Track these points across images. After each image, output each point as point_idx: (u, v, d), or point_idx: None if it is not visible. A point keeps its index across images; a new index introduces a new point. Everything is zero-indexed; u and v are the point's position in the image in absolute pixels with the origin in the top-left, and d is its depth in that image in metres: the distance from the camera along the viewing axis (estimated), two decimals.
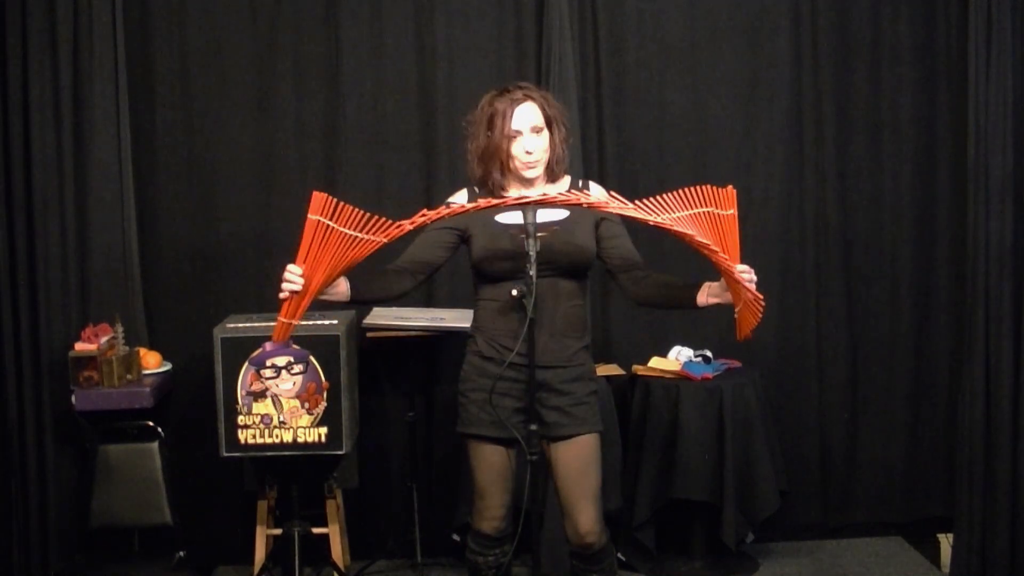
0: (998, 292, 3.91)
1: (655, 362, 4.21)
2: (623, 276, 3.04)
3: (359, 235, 2.55)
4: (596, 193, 3.06)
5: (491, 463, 3.03)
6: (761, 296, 2.66)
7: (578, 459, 3.01)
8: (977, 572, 3.97)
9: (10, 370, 3.92)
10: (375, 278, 2.95)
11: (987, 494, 3.94)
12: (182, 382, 4.17)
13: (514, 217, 2.91)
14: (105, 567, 3.76)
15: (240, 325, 3.54)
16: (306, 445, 3.51)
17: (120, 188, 4.02)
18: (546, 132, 2.99)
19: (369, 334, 3.99)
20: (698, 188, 2.64)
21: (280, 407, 3.49)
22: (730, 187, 2.66)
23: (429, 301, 4.24)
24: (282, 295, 2.65)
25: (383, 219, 2.54)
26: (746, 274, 2.64)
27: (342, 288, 2.84)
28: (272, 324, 3.46)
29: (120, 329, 3.85)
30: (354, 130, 4.25)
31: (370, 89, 4.24)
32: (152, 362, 3.97)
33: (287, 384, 3.48)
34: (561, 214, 2.96)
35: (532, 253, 2.77)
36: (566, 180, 3.10)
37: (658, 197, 2.59)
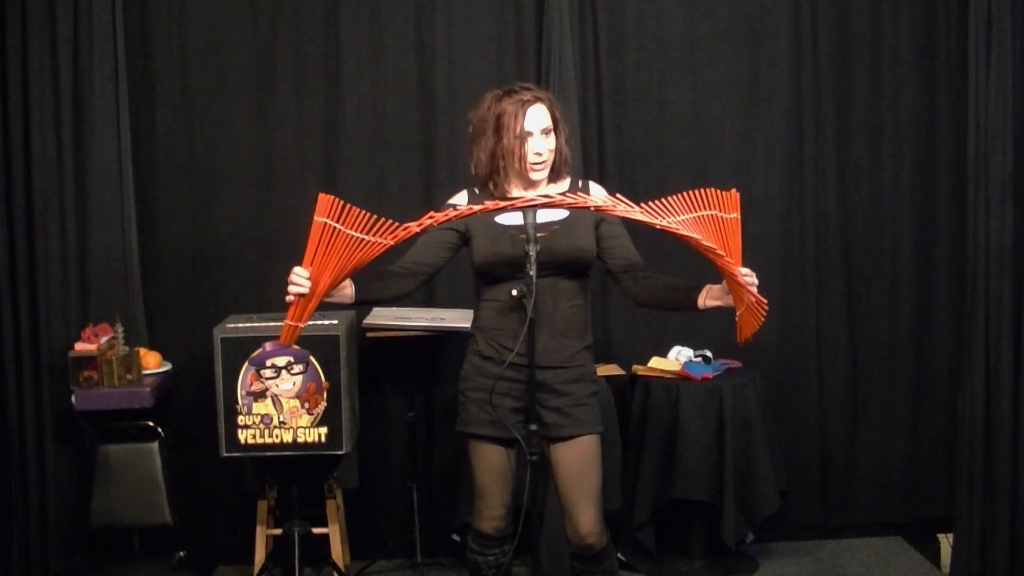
0: (998, 292, 3.91)
1: (655, 362, 4.21)
2: (623, 277, 3.04)
3: (366, 237, 2.54)
4: (596, 193, 3.06)
5: (491, 463, 3.03)
6: (764, 300, 2.66)
7: (578, 460, 3.01)
8: (977, 572, 3.97)
9: (10, 370, 3.92)
10: (378, 279, 2.94)
11: (987, 494, 3.94)
12: (182, 382, 4.17)
13: (514, 218, 2.90)
14: (105, 567, 3.76)
15: (240, 325, 3.54)
16: (306, 445, 3.51)
17: (120, 188, 4.02)
18: (553, 134, 2.99)
19: (369, 334, 4.00)
20: (701, 191, 2.63)
21: (280, 407, 3.49)
22: (733, 190, 2.66)
23: (429, 301, 4.24)
24: (288, 298, 2.63)
25: (390, 221, 2.54)
26: (748, 277, 2.64)
27: (347, 291, 2.83)
28: (273, 324, 3.50)
29: (120, 329, 3.85)
30: (354, 130, 4.25)
31: (370, 89, 4.24)
32: (152, 362, 3.97)
33: (287, 384, 3.48)
34: (561, 214, 2.96)
35: (532, 253, 2.77)
36: (566, 180, 3.10)
37: (661, 200, 2.59)
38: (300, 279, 2.60)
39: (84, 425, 3.85)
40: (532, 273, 2.76)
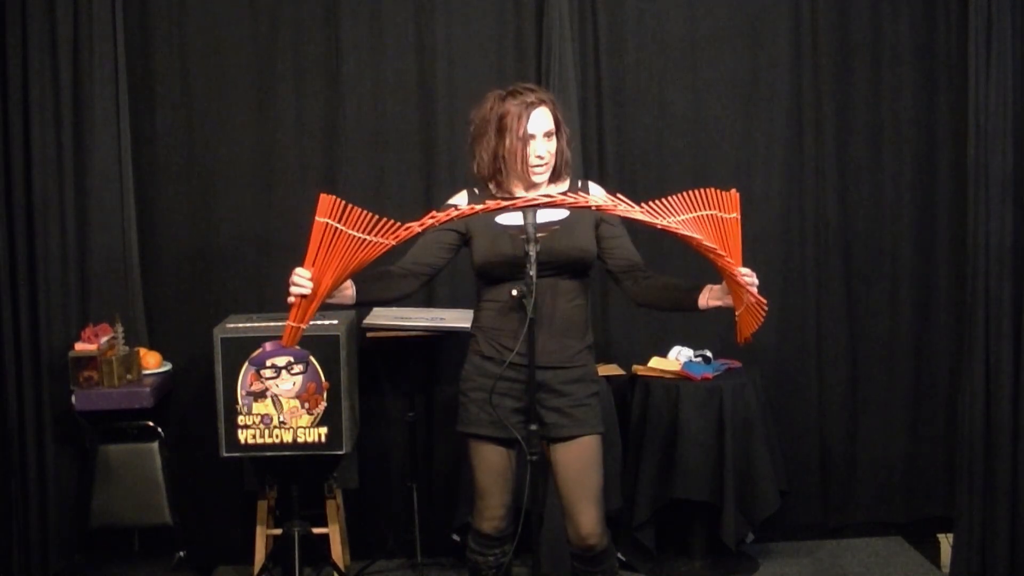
0: (998, 292, 3.91)
1: (655, 362, 4.21)
2: (623, 277, 3.04)
3: (367, 237, 2.53)
4: (595, 193, 3.06)
5: (491, 463, 3.03)
6: (764, 300, 2.66)
7: (578, 461, 3.01)
8: (977, 572, 3.97)
9: (10, 370, 3.92)
10: (379, 280, 2.94)
11: (987, 494, 3.94)
12: (182, 382, 4.17)
13: (514, 218, 2.90)
14: (105, 567, 3.76)
15: (240, 325, 3.54)
16: (306, 445, 3.51)
17: (120, 188, 4.02)
18: (555, 136, 2.99)
19: (369, 334, 4.00)
20: (701, 191, 2.63)
21: (280, 407, 3.49)
22: (733, 190, 2.66)
23: (430, 301, 4.24)
24: (290, 299, 2.63)
25: (391, 221, 2.53)
26: (748, 277, 2.64)
27: (348, 292, 2.83)
28: (273, 324, 3.50)
29: (120, 329, 3.85)
30: (354, 130, 4.25)
31: (370, 89, 4.24)
32: (152, 362, 3.97)
33: (287, 384, 3.48)
34: (561, 214, 2.96)
35: (532, 253, 2.77)
36: (566, 181, 3.10)
37: (661, 200, 2.59)
38: (302, 280, 2.60)
39: (84, 425, 3.85)
40: (532, 273, 2.76)
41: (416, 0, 4.23)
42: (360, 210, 2.52)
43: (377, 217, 2.53)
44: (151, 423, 3.85)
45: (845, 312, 4.46)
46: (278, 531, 3.81)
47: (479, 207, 2.65)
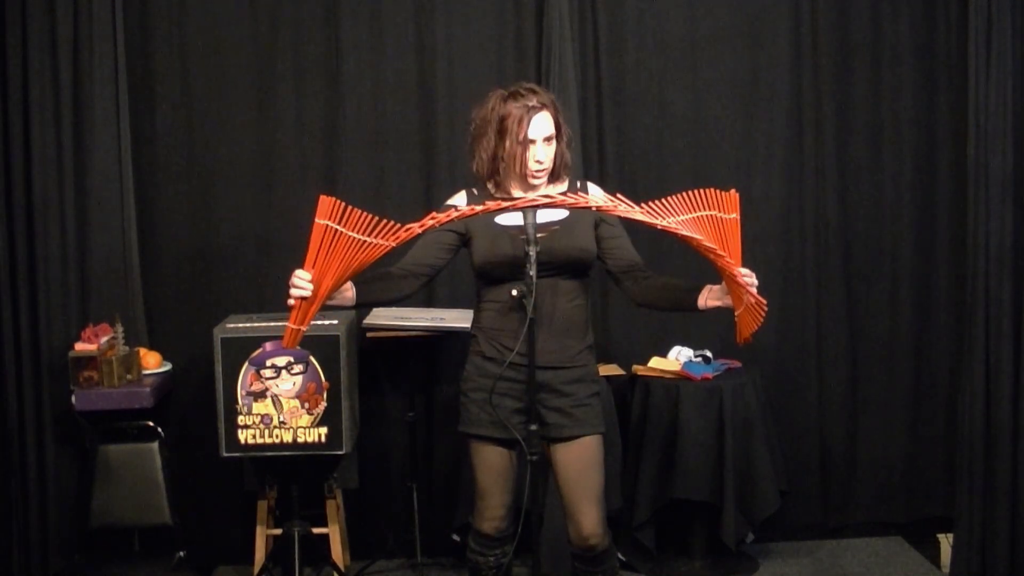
0: (998, 292, 3.91)
1: (655, 362, 4.21)
2: (623, 277, 3.04)
3: (367, 239, 2.53)
4: (594, 194, 3.06)
5: (492, 464, 3.03)
6: (764, 301, 2.66)
7: (579, 461, 3.01)
8: (977, 572, 3.97)
9: (10, 370, 3.92)
10: (378, 281, 2.94)
11: (987, 494, 3.94)
12: (182, 382, 4.17)
13: (514, 218, 2.90)
14: (105, 567, 3.76)
15: (240, 325, 3.54)
16: (306, 445, 3.51)
17: (120, 188, 4.02)
18: (555, 140, 2.99)
19: (369, 334, 4.00)
20: (701, 191, 2.63)
21: (280, 407, 3.49)
22: (733, 191, 2.66)
23: (430, 301, 4.24)
24: (290, 301, 2.62)
25: (391, 223, 2.53)
26: (748, 278, 2.64)
27: (348, 294, 2.82)
28: (273, 324, 3.50)
29: (120, 329, 3.85)
30: (354, 130, 4.24)
31: (370, 89, 4.24)
32: (152, 362, 3.97)
33: (287, 384, 3.48)
34: (560, 214, 2.96)
35: (532, 254, 2.77)
36: (565, 181, 3.10)
37: (661, 200, 2.59)
38: (302, 282, 2.59)
39: (84, 425, 3.85)
40: (532, 273, 2.76)
41: (416, 0, 4.23)
42: (360, 212, 2.52)
43: (377, 219, 2.52)
44: (151, 423, 3.85)
45: (845, 312, 4.46)
46: (278, 531, 3.81)
47: (479, 208, 2.65)
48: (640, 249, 3.12)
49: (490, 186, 3.06)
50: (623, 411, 4.22)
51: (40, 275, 3.94)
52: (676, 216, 2.58)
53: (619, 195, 2.61)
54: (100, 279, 4.01)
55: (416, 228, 2.56)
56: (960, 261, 4.24)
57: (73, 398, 3.75)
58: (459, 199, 3.09)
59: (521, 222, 2.82)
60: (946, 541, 4.20)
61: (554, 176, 3.04)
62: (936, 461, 4.49)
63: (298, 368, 3.48)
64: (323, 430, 3.50)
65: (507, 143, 2.94)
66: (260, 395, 3.48)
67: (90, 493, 3.79)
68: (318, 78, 4.22)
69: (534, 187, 3.00)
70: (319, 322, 3.47)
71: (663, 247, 4.01)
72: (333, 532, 3.96)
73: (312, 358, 3.48)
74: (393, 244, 2.55)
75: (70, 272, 3.97)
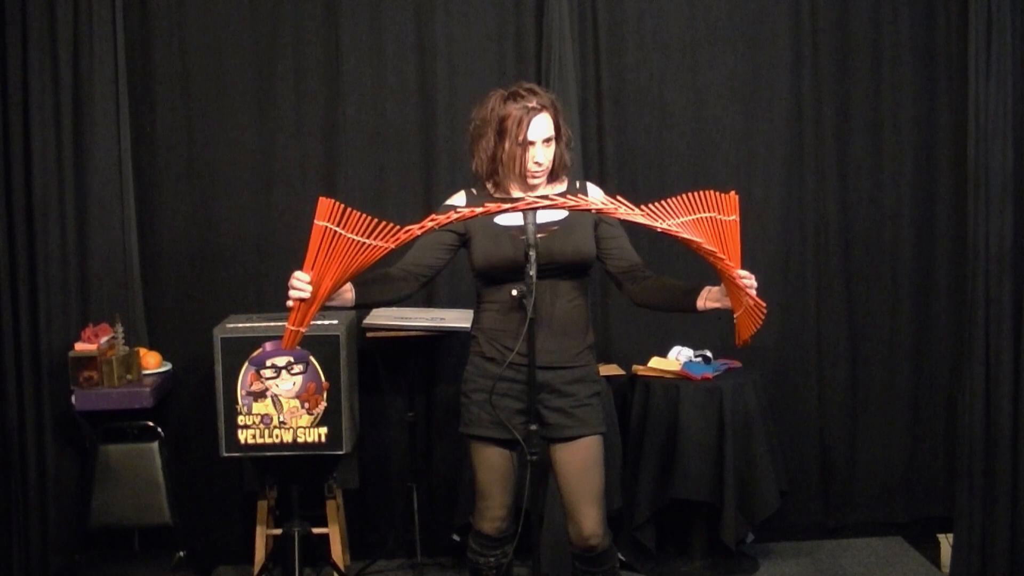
0: (998, 292, 3.91)
1: (655, 362, 4.21)
2: (622, 278, 3.05)
3: (367, 241, 2.53)
4: (594, 195, 3.06)
5: (493, 464, 3.03)
6: (763, 303, 2.66)
7: (580, 461, 3.01)
8: (977, 572, 3.97)
9: (10, 370, 3.92)
10: (378, 282, 2.93)
11: (987, 494, 3.94)
12: (182, 382, 4.17)
13: (514, 219, 2.90)
14: (105, 567, 3.75)
15: (240, 325, 3.54)
16: (306, 445, 3.51)
17: (120, 188, 4.02)
18: (554, 141, 2.98)
19: (369, 334, 4.00)
20: (701, 193, 2.63)
21: (280, 407, 3.49)
22: (732, 192, 2.66)
23: (429, 301, 4.24)
24: (289, 303, 2.62)
25: (390, 224, 2.53)
26: (747, 280, 2.64)
27: (348, 295, 2.82)
28: (273, 324, 3.50)
29: (120, 329, 3.85)
30: (354, 130, 4.24)
31: (370, 89, 4.24)
32: (152, 362, 3.97)
33: (287, 384, 3.48)
34: (560, 215, 2.96)
35: (532, 254, 2.77)
36: (564, 182, 3.10)
37: (661, 202, 2.59)
38: (301, 283, 2.59)
39: (84, 425, 3.85)
40: (532, 273, 2.76)
41: (416, 0, 4.22)
42: (359, 213, 2.51)
43: (376, 220, 2.52)
44: (151, 423, 3.85)
45: (845, 312, 4.46)
46: (278, 531, 3.81)
47: (479, 210, 2.65)
48: (640, 250, 3.12)
49: (489, 186, 3.06)
50: (623, 411, 4.22)
51: (40, 275, 3.94)
52: (676, 218, 2.58)
53: (619, 197, 2.60)
54: (100, 279, 4.01)
55: (415, 230, 2.55)
56: (960, 261, 4.25)
57: (73, 398, 3.74)
58: (458, 199, 3.09)
59: (521, 223, 2.82)
60: (946, 541, 4.20)
61: (553, 177, 3.04)
62: (936, 461, 4.49)
63: (298, 368, 3.48)
64: (323, 430, 3.50)
65: (506, 144, 2.94)
66: (260, 395, 3.47)
67: (90, 493, 3.79)
68: (318, 78, 4.22)
69: (533, 187, 3.00)
70: (319, 322, 3.47)
71: (663, 248, 4.01)
72: (333, 532, 3.97)
73: (312, 358, 3.48)
74: (392, 246, 2.55)
75: (70, 272, 3.97)
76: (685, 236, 2.55)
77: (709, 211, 2.63)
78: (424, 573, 4.17)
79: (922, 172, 4.42)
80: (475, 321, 3.09)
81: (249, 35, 4.20)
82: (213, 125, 4.21)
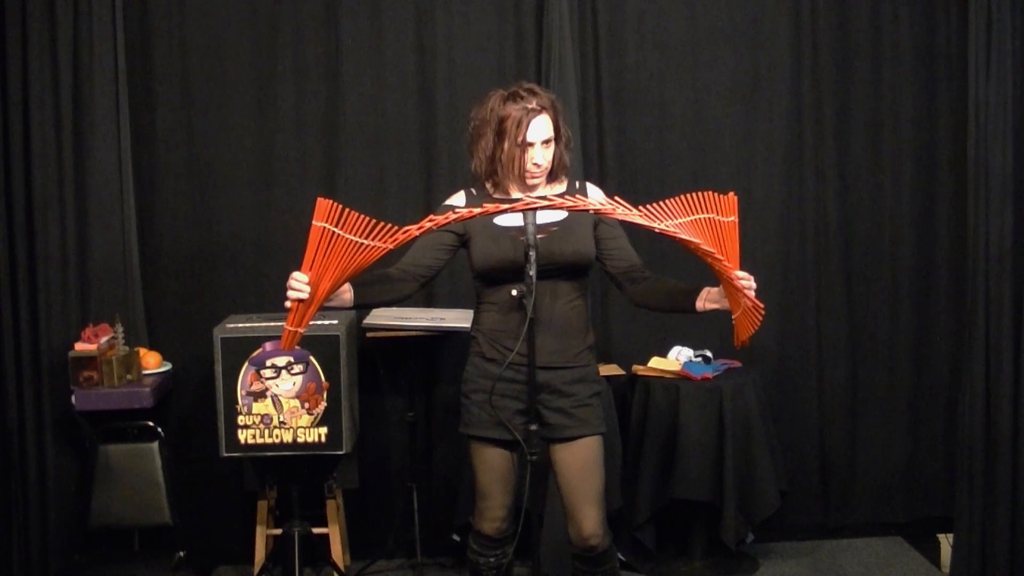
0: (998, 292, 3.90)
1: (655, 362, 4.21)
2: (622, 278, 3.04)
3: (365, 242, 2.53)
4: (594, 195, 3.06)
5: (493, 465, 3.03)
6: (761, 305, 2.66)
7: (580, 461, 3.01)
8: (977, 572, 3.97)
9: (10, 370, 3.92)
10: (377, 283, 2.93)
11: (987, 494, 3.94)
12: (182, 382, 4.17)
13: (513, 219, 2.90)
14: (105, 567, 3.75)
15: (240, 325, 3.54)
16: (306, 445, 3.51)
17: (120, 188, 4.02)
18: (553, 142, 2.98)
19: (369, 334, 4.00)
20: (699, 194, 2.63)
21: (280, 407, 3.49)
22: (731, 193, 2.66)
23: (429, 301, 4.24)
24: (287, 303, 2.62)
25: (389, 225, 2.53)
26: (746, 281, 2.64)
27: (346, 296, 2.82)
28: (273, 324, 3.50)
29: (120, 329, 3.85)
30: (354, 130, 4.24)
31: (370, 89, 4.24)
32: (152, 362, 3.97)
33: (287, 384, 3.48)
34: (559, 216, 2.96)
35: (532, 254, 2.77)
36: (563, 182, 3.10)
37: (659, 203, 2.59)
38: (299, 284, 2.59)
39: (84, 425, 3.85)
40: (532, 273, 2.76)
41: (416, 0, 4.22)
42: (357, 214, 2.51)
43: (375, 221, 2.52)
44: (151, 423, 3.85)
45: (845, 312, 4.46)
46: (278, 531, 3.81)
47: (477, 210, 2.65)
48: (640, 250, 3.12)
49: (489, 186, 3.06)
50: (623, 411, 4.22)
51: (40, 275, 3.94)
52: (674, 219, 2.58)
53: (617, 198, 2.60)
54: (100, 279, 4.01)
55: (413, 231, 2.55)
56: (960, 261, 4.25)
57: (73, 398, 3.74)
58: (457, 199, 3.09)
59: (521, 223, 2.82)
60: (946, 541, 4.20)
61: (552, 177, 3.04)
62: (936, 461, 4.49)
63: (298, 368, 3.48)
64: (323, 430, 3.50)
65: (505, 145, 2.93)
66: (260, 395, 3.47)
67: (90, 493, 3.79)
68: (318, 78, 4.22)
69: (532, 188, 3.00)
70: (319, 322, 3.47)
71: (663, 248, 4.01)
72: (333, 532, 3.97)
73: (312, 358, 3.48)
74: (390, 247, 2.55)
75: (70, 272, 3.97)
76: (683, 237, 2.55)
77: (708, 212, 2.63)
78: (424, 573, 4.17)
79: (922, 172, 4.42)
80: (475, 322, 3.09)
81: (249, 35, 4.20)
82: (213, 125, 4.21)
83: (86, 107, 3.97)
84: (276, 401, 3.48)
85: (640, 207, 2.56)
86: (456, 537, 4.09)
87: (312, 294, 2.59)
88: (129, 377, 3.82)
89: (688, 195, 2.62)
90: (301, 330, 2.64)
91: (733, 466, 3.99)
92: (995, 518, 3.92)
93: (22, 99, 3.90)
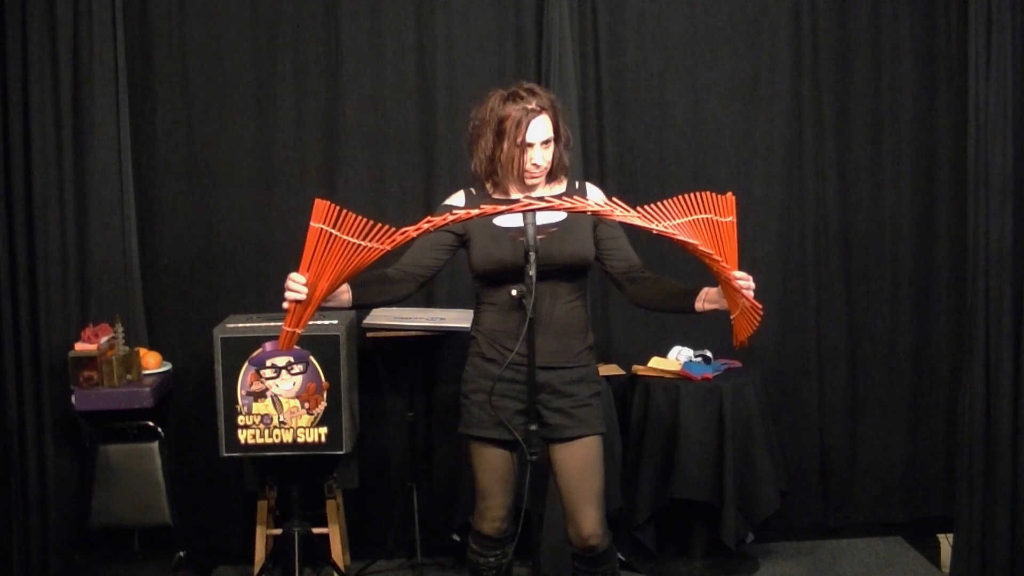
0: (998, 292, 3.90)
1: (655, 362, 4.21)
2: (621, 278, 3.05)
3: (363, 243, 2.53)
4: (593, 195, 3.06)
5: (493, 465, 3.03)
6: (760, 305, 2.66)
7: (579, 461, 3.01)
8: (977, 572, 3.97)
9: (10, 370, 3.92)
10: (375, 283, 2.93)
11: (987, 494, 3.94)
12: (182, 382, 4.17)
13: (513, 220, 2.90)
14: (105, 567, 3.75)
15: (240, 325, 3.54)
16: (306, 445, 3.51)
17: (120, 188, 4.02)
18: (553, 142, 2.98)
19: (369, 334, 4.00)
20: (697, 194, 2.63)
21: (280, 407, 3.49)
22: (729, 194, 2.66)
23: (429, 301, 4.24)
24: (285, 304, 2.62)
25: (387, 226, 2.53)
26: (744, 281, 2.64)
27: (345, 296, 2.82)
28: (273, 324, 3.50)
29: (120, 329, 3.85)
30: (354, 130, 4.25)
31: (370, 89, 4.24)
32: (152, 362, 3.97)
33: (287, 384, 3.48)
34: (559, 216, 2.96)
35: (531, 254, 2.77)
36: (563, 182, 3.10)
37: (658, 204, 2.58)
38: (297, 285, 2.59)
39: (84, 425, 3.85)
40: (532, 274, 2.76)
41: (416, 0, 4.22)
42: (355, 215, 2.51)
43: (372, 222, 2.52)
44: (151, 423, 3.85)
45: (845, 312, 4.46)
46: (278, 531, 3.81)
47: (475, 211, 2.65)
48: (639, 250, 3.12)
49: (488, 186, 3.06)
50: (623, 411, 4.22)
51: (40, 275, 3.94)
52: (672, 220, 2.58)
53: (615, 199, 2.60)
54: (100, 279, 4.01)
55: (411, 232, 2.55)
56: (960, 261, 4.24)
57: (73, 398, 3.74)
58: (457, 199, 3.09)
59: (520, 224, 2.82)
60: (946, 541, 4.20)
61: (552, 177, 3.05)
62: (936, 461, 4.49)
63: (298, 368, 3.48)
64: (323, 430, 3.50)
65: (505, 145, 2.93)
66: (260, 395, 3.47)
67: (90, 493, 3.79)
68: (318, 78, 4.22)
69: (531, 188, 3.00)
70: (319, 322, 3.47)
71: (662, 248, 3.99)
72: (333, 532, 3.97)
73: (312, 358, 3.48)
74: (388, 248, 2.55)
75: (70, 272, 3.97)
76: (681, 238, 2.55)
77: (706, 212, 2.63)
78: (424, 573, 4.17)
79: (922, 172, 4.42)
80: (475, 322, 3.09)
81: (249, 35, 4.20)
82: (213, 125, 4.21)
83: (86, 107, 3.97)
84: (276, 401, 3.48)
85: (638, 208, 2.56)
86: (456, 537, 4.09)
87: (310, 295, 2.59)
88: (129, 377, 3.82)
89: (686, 195, 2.62)
90: (299, 331, 2.64)
91: (733, 466, 3.99)
92: (995, 518, 3.92)
93: (22, 99, 3.90)
